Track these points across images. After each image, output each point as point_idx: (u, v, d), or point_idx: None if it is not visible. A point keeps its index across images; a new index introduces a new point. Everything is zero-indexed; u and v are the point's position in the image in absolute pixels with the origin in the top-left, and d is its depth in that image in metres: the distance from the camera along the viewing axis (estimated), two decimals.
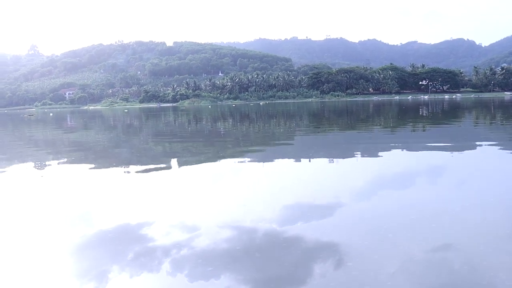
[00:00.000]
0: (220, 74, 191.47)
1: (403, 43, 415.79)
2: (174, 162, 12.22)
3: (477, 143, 14.42)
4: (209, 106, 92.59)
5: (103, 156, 14.06)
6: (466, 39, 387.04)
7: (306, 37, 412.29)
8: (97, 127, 33.02)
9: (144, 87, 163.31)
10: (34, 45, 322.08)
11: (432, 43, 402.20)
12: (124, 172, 10.61)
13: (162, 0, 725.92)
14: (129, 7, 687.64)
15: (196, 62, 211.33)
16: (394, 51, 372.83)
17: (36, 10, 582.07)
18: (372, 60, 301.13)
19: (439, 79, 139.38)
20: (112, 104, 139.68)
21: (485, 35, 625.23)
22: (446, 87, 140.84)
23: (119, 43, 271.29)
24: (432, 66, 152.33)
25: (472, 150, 12.76)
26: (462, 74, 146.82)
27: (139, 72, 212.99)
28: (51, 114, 76.88)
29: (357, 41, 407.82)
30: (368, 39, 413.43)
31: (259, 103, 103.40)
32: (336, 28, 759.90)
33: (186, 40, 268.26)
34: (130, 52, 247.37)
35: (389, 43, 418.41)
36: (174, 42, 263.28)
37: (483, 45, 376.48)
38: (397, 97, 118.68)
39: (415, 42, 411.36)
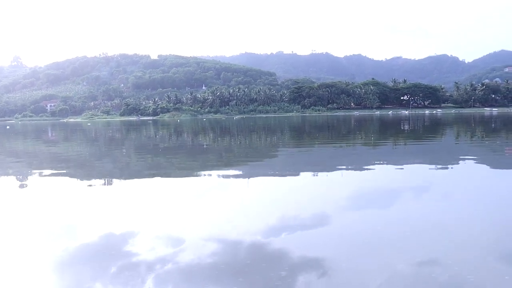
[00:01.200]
0: (203, 87, 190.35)
1: (388, 58, 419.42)
2: (153, 177, 12.00)
3: (460, 158, 14.59)
4: (178, 120, 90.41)
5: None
6: (449, 55, 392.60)
7: (292, 51, 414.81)
8: (44, 143, 31.60)
9: (126, 100, 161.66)
10: (17, 57, 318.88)
11: (417, 58, 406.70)
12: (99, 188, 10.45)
13: (149, 13, 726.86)
14: (116, 20, 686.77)
15: (180, 76, 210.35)
16: (379, 66, 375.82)
17: (20, 21, 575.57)
18: (357, 75, 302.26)
19: (420, 95, 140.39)
20: (92, 117, 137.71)
21: (469, 52, 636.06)
22: (427, 102, 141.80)
23: (103, 56, 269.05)
24: (415, 82, 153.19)
25: (456, 166, 12.92)
26: (443, 90, 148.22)
27: (122, 85, 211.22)
28: (7, 127, 74.62)
29: (342, 56, 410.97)
30: (354, 54, 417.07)
31: (233, 117, 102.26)
32: (321, 42, 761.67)
33: (171, 53, 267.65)
34: (114, 64, 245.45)
35: (374, 58, 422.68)
36: (159, 55, 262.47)
37: (466, 61, 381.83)
38: (377, 112, 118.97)
39: (399, 57, 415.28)
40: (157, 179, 11.63)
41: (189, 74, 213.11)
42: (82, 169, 14.42)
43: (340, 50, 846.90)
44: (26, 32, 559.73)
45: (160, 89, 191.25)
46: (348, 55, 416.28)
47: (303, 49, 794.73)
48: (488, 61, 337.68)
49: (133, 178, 12.15)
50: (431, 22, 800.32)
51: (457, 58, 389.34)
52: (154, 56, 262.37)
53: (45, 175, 12.77)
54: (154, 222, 6.94)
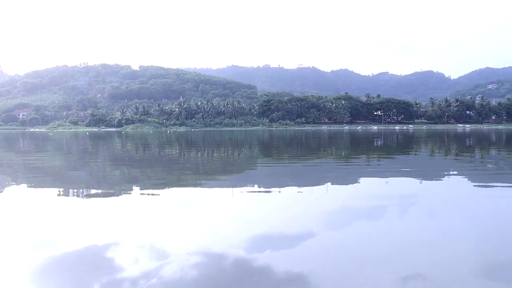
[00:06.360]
0: (181, 99, 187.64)
1: (374, 73, 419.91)
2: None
3: (442, 174, 14.62)
4: (87, 133, 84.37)
5: None
6: (435, 72, 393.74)
7: (279, 65, 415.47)
8: None
9: (92, 110, 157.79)
10: None
11: (403, 74, 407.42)
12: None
13: (137, 23, 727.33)
14: (101, 29, 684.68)
15: (157, 87, 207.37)
16: (366, 81, 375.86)
17: (2, 29, 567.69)
18: (343, 90, 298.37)
19: (394, 110, 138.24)
20: (56, 127, 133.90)
21: (455, 68, 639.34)
22: (401, 117, 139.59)
23: (84, 65, 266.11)
24: (388, 97, 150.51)
25: (439, 181, 12.93)
26: (418, 105, 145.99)
27: (99, 95, 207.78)
28: None
29: (329, 71, 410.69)
30: (340, 69, 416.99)
31: (167, 131, 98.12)
32: (308, 57, 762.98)
33: (153, 65, 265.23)
34: (93, 74, 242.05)
35: (361, 73, 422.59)
36: (140, 66, 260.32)
37: (452, 78, 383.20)
38: (347, 127, 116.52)
39: (386, 73, 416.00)
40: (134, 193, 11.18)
41: (167, 85, 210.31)
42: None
43: (327, 64, 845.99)
44: (9, 40, 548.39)
45: (137, 100, 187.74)
46: (334, 69, 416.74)
47: (290, 63, 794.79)
48: (473, 78, 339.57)
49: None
50: (418, 39, 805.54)
51: (443, 74, 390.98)
52: (135, 67, 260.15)
53: None
54: (137, 236, 6.68)
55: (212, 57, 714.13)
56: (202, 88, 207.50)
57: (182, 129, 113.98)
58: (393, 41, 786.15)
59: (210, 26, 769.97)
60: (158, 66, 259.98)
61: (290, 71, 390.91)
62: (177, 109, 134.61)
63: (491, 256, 5.63)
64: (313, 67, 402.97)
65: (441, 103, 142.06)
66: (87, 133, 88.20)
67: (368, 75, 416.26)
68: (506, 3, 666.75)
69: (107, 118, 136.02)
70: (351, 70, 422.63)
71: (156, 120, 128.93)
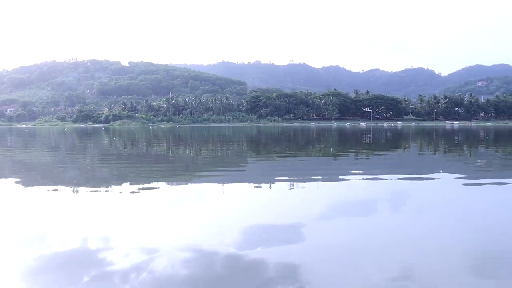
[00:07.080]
0: (169, 95, 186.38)
1: (365, 70, 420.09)
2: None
3: (431, 172, 14.40)
4: (65, 129, 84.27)
5: None
6: (426, 68, 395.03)
7: (269, 61, 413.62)
8: None
9: (79, 106, 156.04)
10: None
11: (394, 71, 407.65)
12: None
13: (129, 19, 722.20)
14: (91, 24, 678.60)
15: (147, 83, 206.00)
16: (356, 78, 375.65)
17: None
18: (334, 86, 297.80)
19: (382, 107, 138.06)
20: (42, 123, 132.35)
21: (445, 66, 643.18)
22: (389, 114, 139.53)
23: (73, 61, 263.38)
24: (377, 93, 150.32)
25: (428, 179, 12.67)
26: (407, 102, 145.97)
27: (88, 91, 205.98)
28: None
29: (320, 67, 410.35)
30: (331, 65, 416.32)
31: (150, 127, 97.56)
32: (299, 53, 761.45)
33: (143, 60, 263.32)
34: (82, 70, 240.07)
35: (352, 70, 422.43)
36: (130, 62, 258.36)
37: (442, 75, 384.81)
38: (335, 124, 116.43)
39: (377, 69, 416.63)
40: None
41: (157, 81, 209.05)
42: None
43: (318, 61, 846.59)
44: None
45: (125, 96, 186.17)
46: (325, 66, 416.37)
47: (281, 60, 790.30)
48: (463, 75, 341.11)
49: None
50: (410, 36, 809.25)
51: (433, 71, 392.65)
52: (125, 63, 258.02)
53: None
54: (128, 231, 6.67)
55: (202, 53, 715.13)
56: (192, 84, 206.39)
57: (168, 125, 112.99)
58: (384, 38, 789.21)
59: (201, 22, 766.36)
60: (148, 62, 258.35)
61: (281, 67, 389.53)
62: (164, 105, 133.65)
63: (479, 253, 5.67)
64: (304, 63, 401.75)
65: (430, 99, 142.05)
66: (66, 129, 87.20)
67: (359, 72, 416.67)
68: (497, 1, 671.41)
69: (94, 114, 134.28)
70: (342, 66, 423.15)
71: (143, 116, 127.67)
